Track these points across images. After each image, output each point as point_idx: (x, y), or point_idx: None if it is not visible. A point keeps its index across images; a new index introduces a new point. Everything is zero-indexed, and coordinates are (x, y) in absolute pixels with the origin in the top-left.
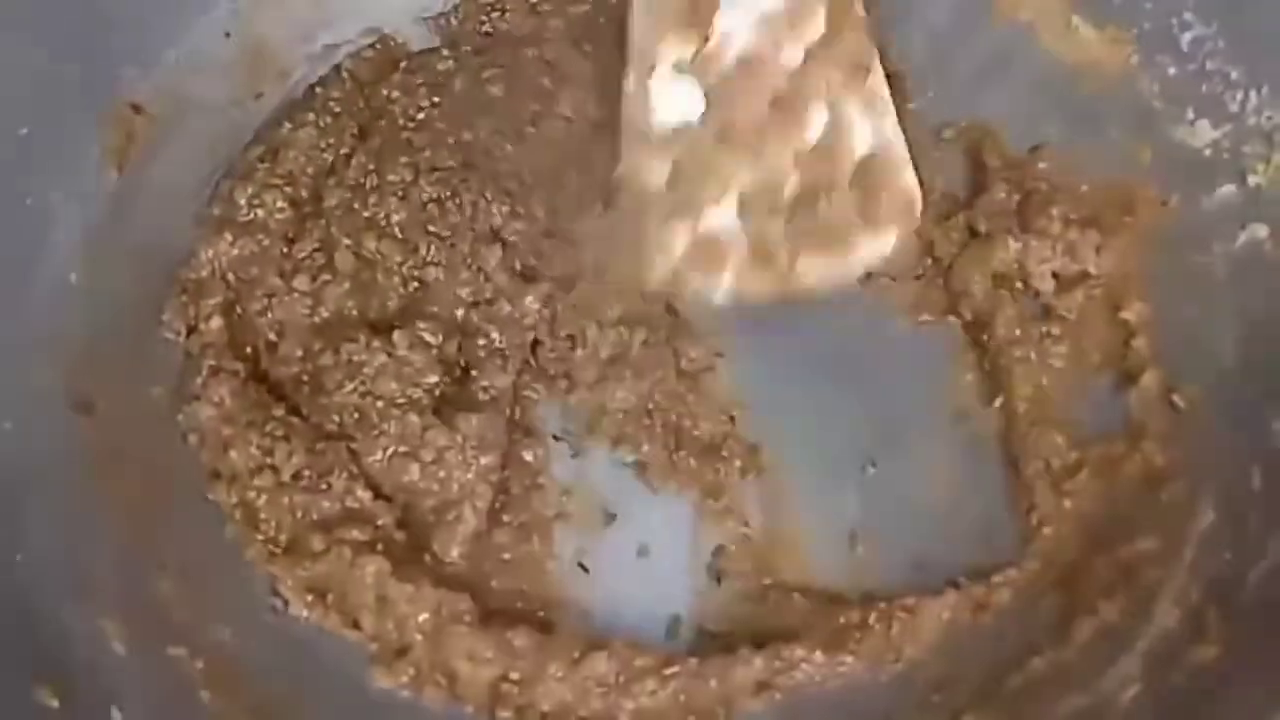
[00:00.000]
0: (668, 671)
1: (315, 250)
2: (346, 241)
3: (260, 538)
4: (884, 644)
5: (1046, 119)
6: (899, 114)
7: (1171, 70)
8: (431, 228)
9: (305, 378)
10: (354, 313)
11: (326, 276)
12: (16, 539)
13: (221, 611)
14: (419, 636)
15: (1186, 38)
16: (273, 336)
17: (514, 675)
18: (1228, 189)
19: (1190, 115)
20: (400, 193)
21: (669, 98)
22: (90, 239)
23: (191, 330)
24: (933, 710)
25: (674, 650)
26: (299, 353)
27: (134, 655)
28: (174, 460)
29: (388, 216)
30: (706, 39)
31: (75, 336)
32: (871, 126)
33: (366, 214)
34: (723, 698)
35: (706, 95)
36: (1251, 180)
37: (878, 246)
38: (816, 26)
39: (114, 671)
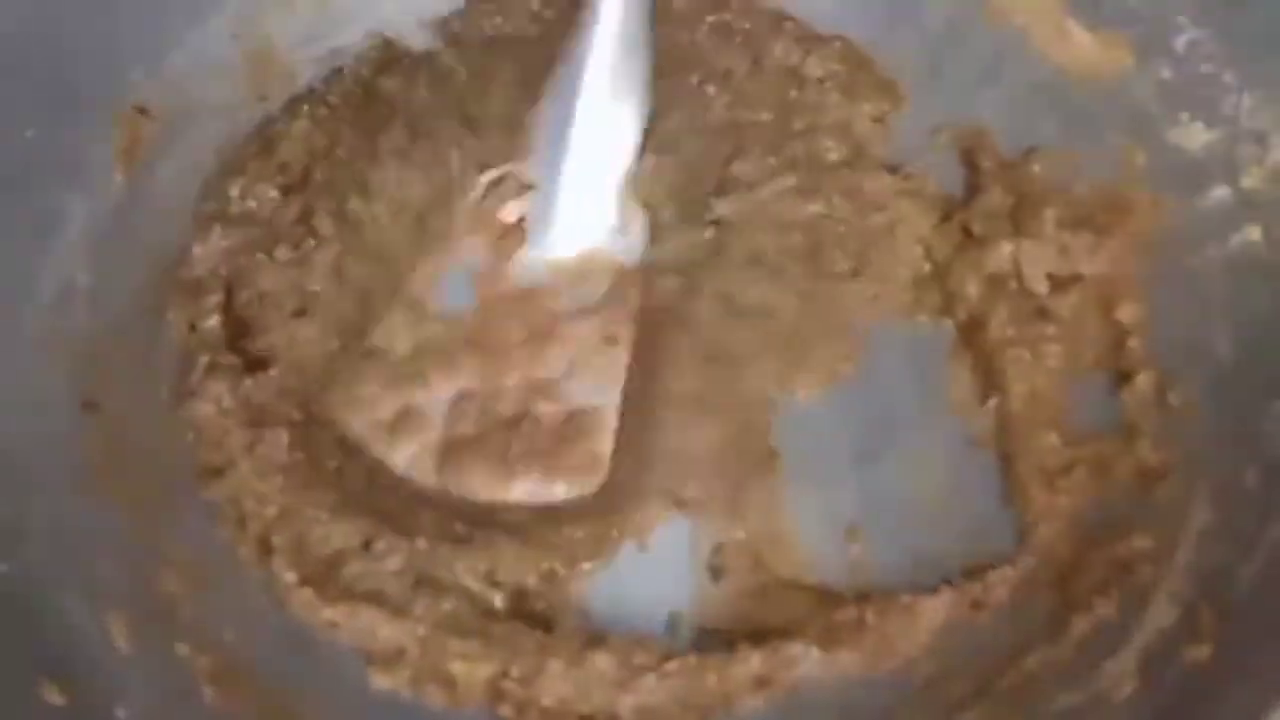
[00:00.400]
0: (667, 668)
1: (295, 221)
2: (329, 205)
3: (251, 537)
4: (881, 641)
5: (1041, 122)
6: (893, 117)
7: (1166, 73)
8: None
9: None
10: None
11: (312, 242)
12: (21, 536)
13: (226, 609)
14: (412, 642)
15: (1181, 41)
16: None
17: (514, 672)
18: (1221, 191)
19: (1184, 118)
20: (397, 158)
21: (451, 289)
22: (97, 240)
23: (192, 328)
24: (928, 707)
25: (673, 647)
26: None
27: (139, 652)
28: (179, 459)
29: (382, 177)
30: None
31: (81, 336)
32: (598, 388)
33: (353, 178)
34: (722, 694)
35: (479, 303)
36: (1245, 182)
37: (546, 490)
38: (595, 292)
39: (119, 668)
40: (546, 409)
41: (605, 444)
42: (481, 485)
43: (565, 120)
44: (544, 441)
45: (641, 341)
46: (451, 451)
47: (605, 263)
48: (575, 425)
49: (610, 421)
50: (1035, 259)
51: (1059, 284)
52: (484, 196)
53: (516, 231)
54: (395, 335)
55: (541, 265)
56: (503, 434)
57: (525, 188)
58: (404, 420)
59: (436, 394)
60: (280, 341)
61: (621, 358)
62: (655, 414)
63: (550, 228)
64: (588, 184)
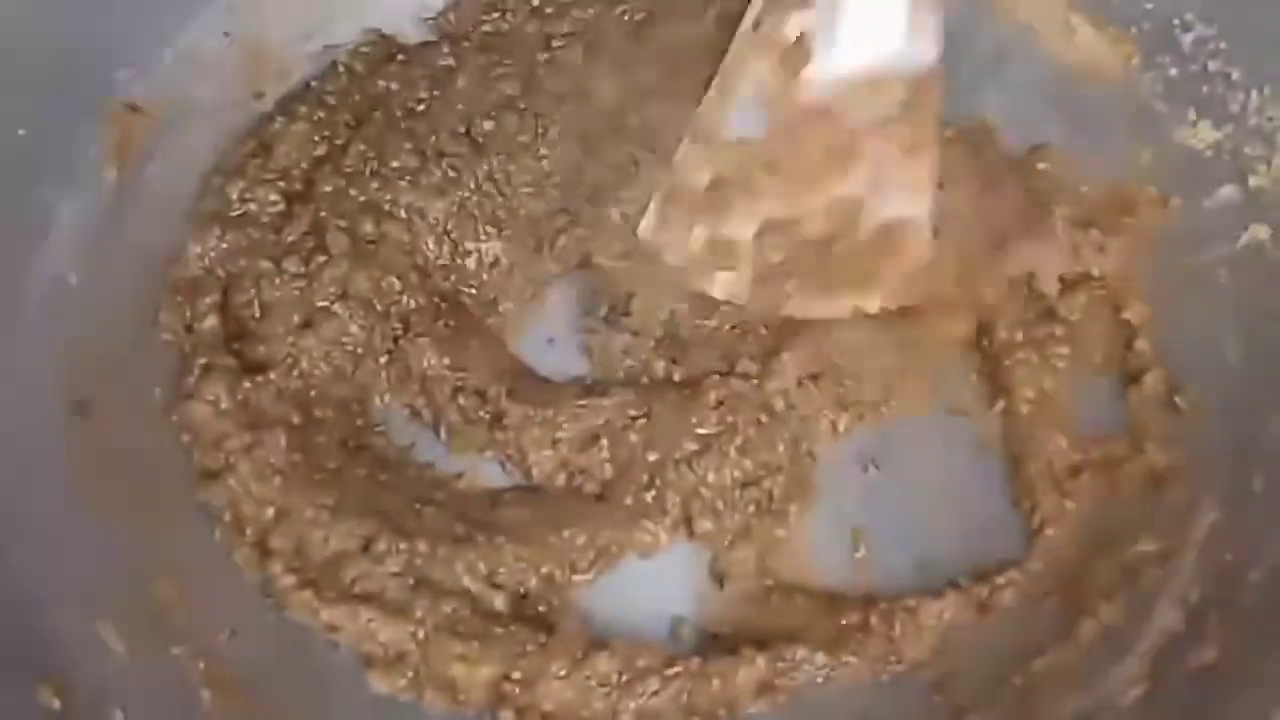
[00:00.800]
0: (669, 672)
1: (305, 234)
2: (341, 223)
3: (249, 540)
4: (886, 645)
5: (1047, 120)
6: None
7: (1173, 71)
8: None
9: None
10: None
11: (321, 258)
12: (15, 540)
13: (222, 612)
14: (412, 645)
15: (1188, 38)
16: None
17: (515, 675)
18: (1229, 190)
19: (1191, 116)
20: (407, 178)
21: (740, 115)
22: (88, 239)
23: (188, 329)
24: (934, 711)
25: (677, 651)
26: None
27: (135, 656)
28: (172, 461)
29: (394, 200)
30: (791, 77)
31: (73, 337)
32: (907, 199)
33: (364, 198)
34: (725, 699)
35: (771, 127)
36: (1253, 181)
37: (868, 301)
38: (891, 102)
39: (115, 672)
40: (858, 226)
41: (923, 252)
42: (800, 307)
43: None
44: (861, 260)
45: None
46: (767, 278)
47: (899, 71)
48: (889, 239)
49: (924, 231)
50: (1049, 259)
51: (1067, 284)
52: (760, 19)
53: (800, 49)
54: (692, 169)
55: (831, 80)
56: (815, 256)
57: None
58: (714, 250)
59: (743, 222)
60: (282, 351)
61: (926, 166)
62: None
63: (838, 39)
64: None
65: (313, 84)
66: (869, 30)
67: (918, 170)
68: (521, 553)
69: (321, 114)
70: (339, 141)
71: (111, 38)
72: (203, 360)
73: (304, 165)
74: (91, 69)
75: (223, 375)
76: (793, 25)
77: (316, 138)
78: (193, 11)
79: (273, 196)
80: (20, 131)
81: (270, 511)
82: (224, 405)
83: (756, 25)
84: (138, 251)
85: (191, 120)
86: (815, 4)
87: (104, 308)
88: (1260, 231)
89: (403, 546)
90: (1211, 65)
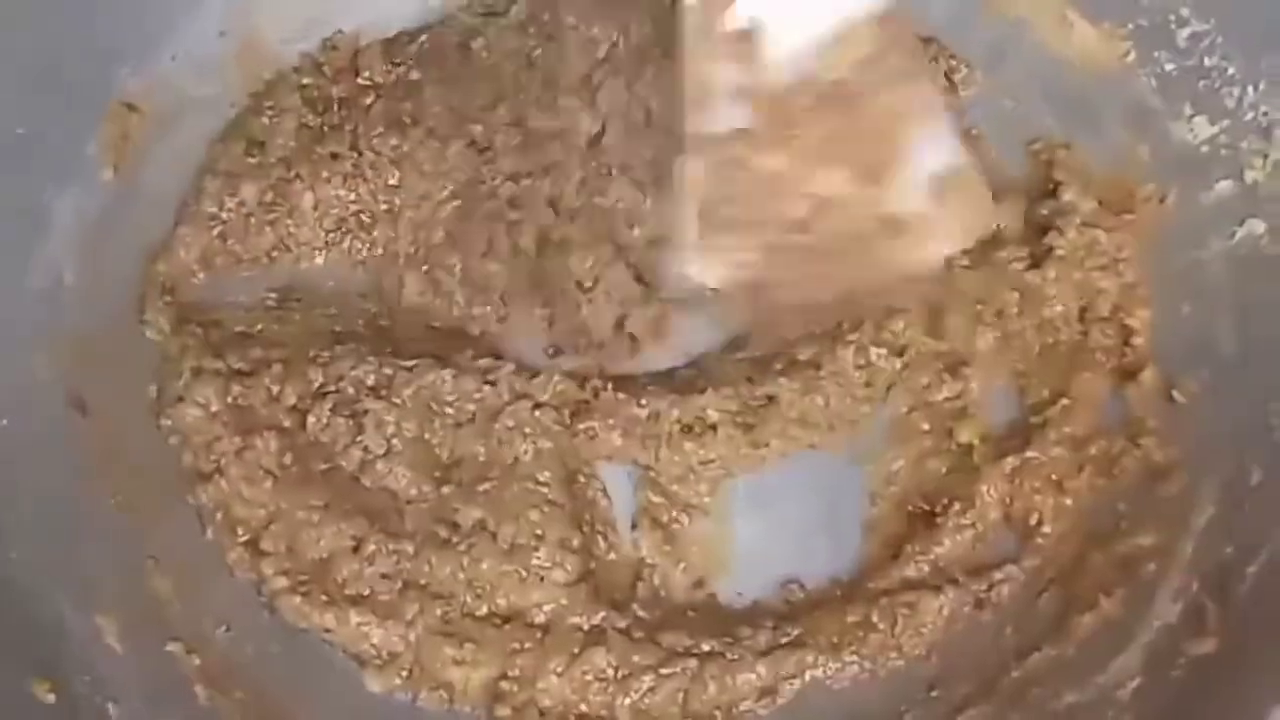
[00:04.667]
0: (666, 671)
1: (275, 201)
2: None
3: (241, 541)
4: (885, 641)
5: (1043, 115)
6: None
7: (1169, 66)
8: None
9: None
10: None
11: (289, 223)
12: (11, 534)
13: (218, 609)
14: (405, 647)
15: (1183, 33)
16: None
17: (512, 673)
18: (1225, 185)
19: (1188, 111)
20: (392, 156)
21: (725, 113)
22: (85, 237)
23: (175, 330)
24: (933, 706)
25: (673, 645)
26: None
27: (130, 651)
28: (169, 458)
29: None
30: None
31: (70, 335)
32: (936, 146)
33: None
34: (723, 702)
35: (757, 116)
36: (1249, 176)
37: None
38: (866, 46)
39: (110, 667)
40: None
41: (982, 193)
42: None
43: None
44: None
45: None
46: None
47: (854, 14)
48: (942, 188)
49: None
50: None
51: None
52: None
53: (751, 35)
54: (690, 179)
55: (795, 53)
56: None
57: None
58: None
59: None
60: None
61: (928, 89)
62: None
63: (779, 11)
64: None
65: (306, 83)
66: None
67: (933, 109)
68: (498, 566)
69: (306, 111)
70: (325, 125)
71: (109, 36)
72: (191, 364)
73: (285, 155)
74: (89, 67)
75: (212, 378)
76: (733, 16)
77: (299, 126)
78: (190, 10)
79: (260, 189)
80: (18, 130)
81: (262, 513)
82: (214, 408)
83: (698, 28)
84: (135, 249)
85: (188, 118)
86: None
87: (101, 305)
88: (1256, 226)
89: (391, 547)
90: (1207, 60)
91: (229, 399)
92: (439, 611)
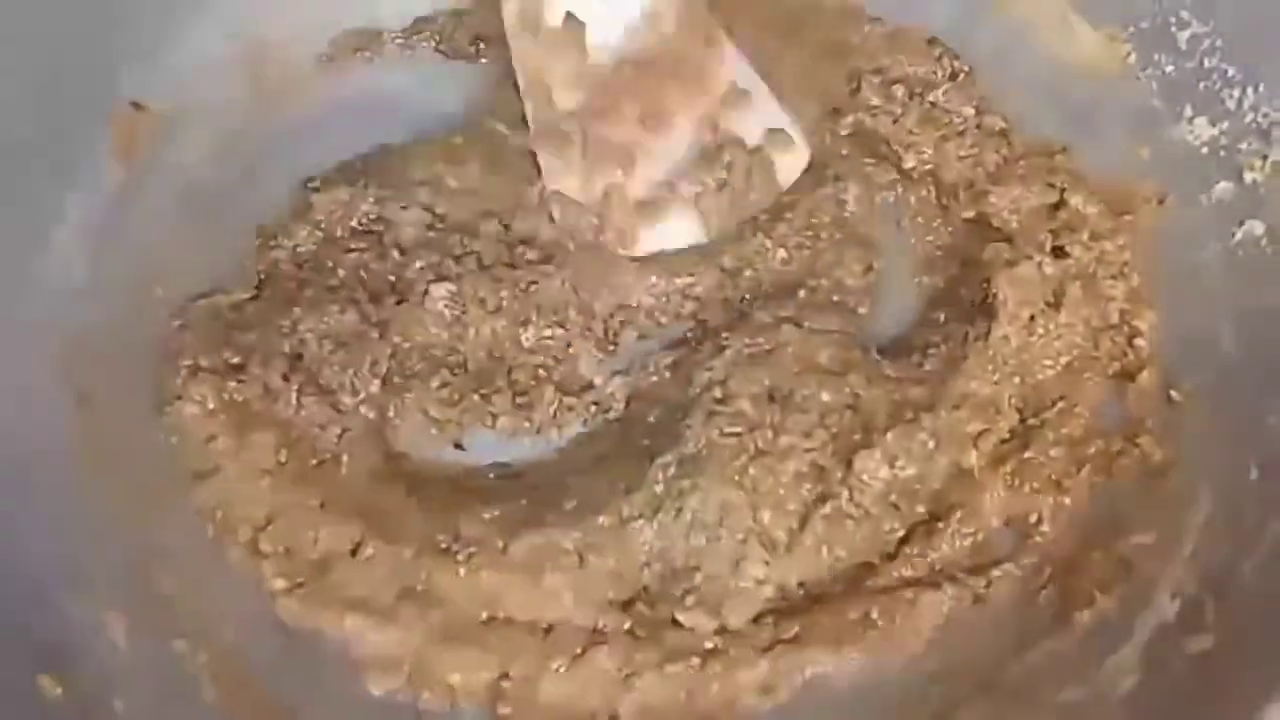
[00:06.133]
0: (668, 669)
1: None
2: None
3: (240, 540)
4: (885, 637)
5: (1044, 117)
6: None
7: (1169, 68)
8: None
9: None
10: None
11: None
12: (18, 531)
13: (225, 607)
14: (405, 651)
15: (1184, 36)
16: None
17: (514, 673)
18: (1225, 186)
19: (1188, 113)
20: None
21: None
22: (93, 236)
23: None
24: (932, 702)
25: (675, 644)
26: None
27: (136, 648)
28: (173, 456)
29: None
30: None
31: (76, 332)
32: (766, 110)
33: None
34: (726, 699)
35: (586, 98)
36: (1248, 177)
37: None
38: (670, 24)
39: (116, 663)
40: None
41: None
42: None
43: None
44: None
45: None
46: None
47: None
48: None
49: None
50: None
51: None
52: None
53: (570, 23)
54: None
55: (613, 39)
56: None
57: None
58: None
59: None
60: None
61: (731, 52)
62: None
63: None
64: None
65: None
66: None
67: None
68: (494, 575)
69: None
70: None
71: (116, 37)
72: (188, 362)
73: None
74: (96, 68)
75: (209, 376)
76: (553, 10)
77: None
78: (197, 11)
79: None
80: (24, 131)
81: (260, 512)
82: (211, 406)
83: (520, 29)
84: (141, 248)
85: (196, 118)
86: None
87: (108, 303)
88: (1256, 227)
89: (388, 552)
90: (1208, 62)
91: (224, 396)
92: (436, 617)
